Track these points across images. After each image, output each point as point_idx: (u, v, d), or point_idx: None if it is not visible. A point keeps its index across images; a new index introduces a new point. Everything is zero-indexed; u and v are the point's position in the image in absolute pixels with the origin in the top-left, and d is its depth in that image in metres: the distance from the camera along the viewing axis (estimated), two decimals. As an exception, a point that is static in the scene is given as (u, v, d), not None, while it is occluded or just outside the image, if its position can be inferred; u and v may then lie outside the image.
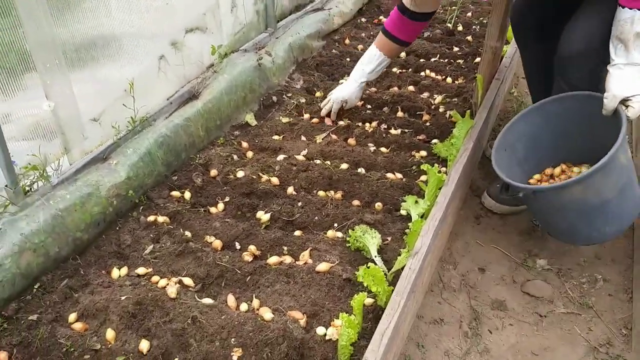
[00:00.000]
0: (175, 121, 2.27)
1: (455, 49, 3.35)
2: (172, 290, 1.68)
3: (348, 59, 3.23)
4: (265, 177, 2.21)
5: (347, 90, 2.53)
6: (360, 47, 3.41)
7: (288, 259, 1.82)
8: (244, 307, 1.66)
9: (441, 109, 2.67)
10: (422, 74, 3.06)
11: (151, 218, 2.00)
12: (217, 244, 1.89)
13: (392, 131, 2.53)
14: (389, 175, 2.21)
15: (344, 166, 2.27)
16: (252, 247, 1.86)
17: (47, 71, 1.81)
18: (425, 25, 2.42)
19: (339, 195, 2.12)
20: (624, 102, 1.65)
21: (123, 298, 1.64)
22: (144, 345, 1.53)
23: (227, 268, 1.78)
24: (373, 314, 1.61)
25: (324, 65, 3.15)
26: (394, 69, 3.08)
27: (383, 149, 2.41)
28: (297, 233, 1.95)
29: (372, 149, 2.41)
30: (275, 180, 2.19)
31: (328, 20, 3.45)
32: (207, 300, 1.68)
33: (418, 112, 2.67)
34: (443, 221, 1.82)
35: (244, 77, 2.65)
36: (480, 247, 2.06)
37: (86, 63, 1.98)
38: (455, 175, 1.96)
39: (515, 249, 2.05)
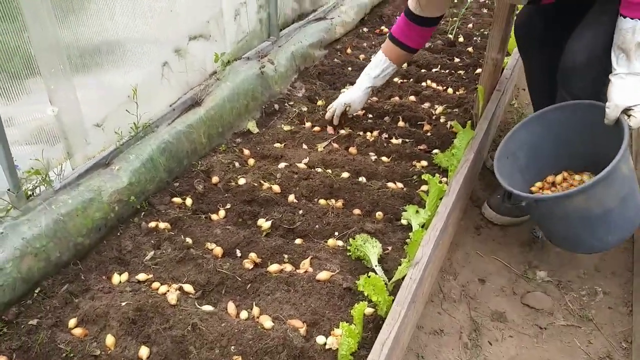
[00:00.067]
0: (177, 128, 2.28)
1: (457, 59, 3.37)
2: (172, 297, 1.68)
3: (350, 68, 3.24)
4: (266, 185, 2.22)
5: (351, 94, 2.52)
6: (362, 56, 3.43)
7: (288, 267, 1.82)
8: (244, 314, 1.66)
9: (442, 120, 2.68)
10: (424, 84, 3.08)
11: (152, 224, 2.00)
12: (218, 251, 1.89)
13: (393, 141, 2.54)
14: (390, 184, 2.22)
15: (345, 175, 2.27)
16: (252, 255, 1.86)
17: (51, 76, 1.82)
18: (431, 31, 2.36)
19: (339, 203, 2.13)
20: (626, 111, 1.66)
21: (123, 304, 1.64)
22: (144, 351, 1.52)
23: (227, 275, 1.78)
24: (373, 324, 1.61)
25: (326, 74, 3.16)
26: (396, 79, 3.09)
27: (384, 158, 2.42)
28: (298, 241, 1.95)
29: (373, 158, 2.42)
30: (276, 188, 2.20)
31: (330, 30, 3.47)
32: (207, 308, 1.67)
33: (419, 122, 2.69)
34: (444, 231, 1.82)
35: (247, 85, 2.66)
36: (480, 258, 2.07)
37: (90, 68, 1.99)
38: (456, 185, 1.96)
39: (516, 260, 2.05)
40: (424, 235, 1.74)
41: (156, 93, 2.31)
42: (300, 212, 2.07)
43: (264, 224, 2.01)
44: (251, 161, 2.39)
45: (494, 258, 2.06)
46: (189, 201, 2.13)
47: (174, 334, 1.56)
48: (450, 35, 3.68)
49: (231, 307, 1.68)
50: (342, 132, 2.59)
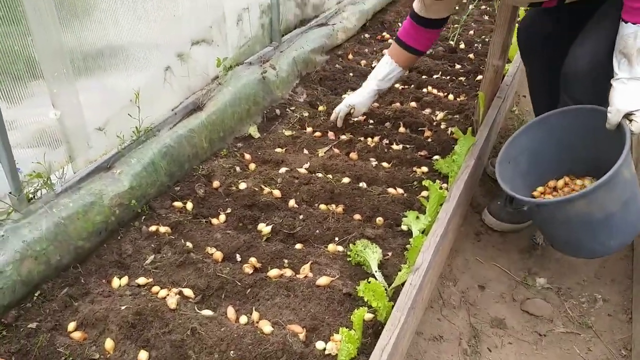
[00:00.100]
0: (179, 132, 2.29)
1: (457, 66, 3.38)
2: (172, 301, 1.68)
3: (351, 74, 3.25)
4: (267, 190, 2.22)
5: (356, 97, 2.50)
6: (363, 62, 3.44)
7: (288, 272, 1.82)
8: (243, 319, 1.66)
9: (443, 126, 2.69)
10: (425, 90, 3.08)
11: (153, 228, 2.01)
12: (218, 255, 1.89)
13: (394, 146, 2.55)
14: (390, 190, 2.23)
15: (346, 180, 2.28)
16: (252, 260, 1.86)
17: (54, 80, 1.83)
18: (437, 33, 2.33)
19: (340, 209, 2.13)
20: (628, 116, 1.66)
21: (123, 308, 1.64)
22: (143, 356, 1.52)
23: (227, 280, 1.78)
24: (373, 329, 1.61)
25: (327, 80, 3.17)
26: (397, 85, 3.10)
27: (385, 164, 2.43)
28: (298, 246, 1.95)
29: (374, 163, 2.43)
30: (277, 193, 2.20)
31: (332, 36, 3.48)
32: (207, 312, 1.68)
33: (420, 128, 2.69)
34: (444, 237, 1.83)
35: (248, 90, 2.67)
36: (480, 264, 2.07)
37: (93, 72, 2.00)
38: (456, 191, 1.97)
39: (515, 266, 2.05)
40: (424, 241, 1.74)
41: (158, 97, 2.31)
42: (301, 217, 2.07)
43: (264, 228, 2.01)
44: (252, 166, 2.40)
45: (494, 264, 2.06)
46: (189, 205, 2.13)
47: (173, 338, 1.56)
48: (451, 42, 3.69)
49: (231, 312, 1.68)
50: (343, 137, 2.60)
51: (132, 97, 2.14)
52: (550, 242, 1.95)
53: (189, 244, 1.94)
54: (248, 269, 1.83)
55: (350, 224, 2.02)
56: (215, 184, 2.26)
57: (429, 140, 2.58)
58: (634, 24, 1.62)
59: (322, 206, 2.14)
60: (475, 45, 3.68)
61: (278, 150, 2.53)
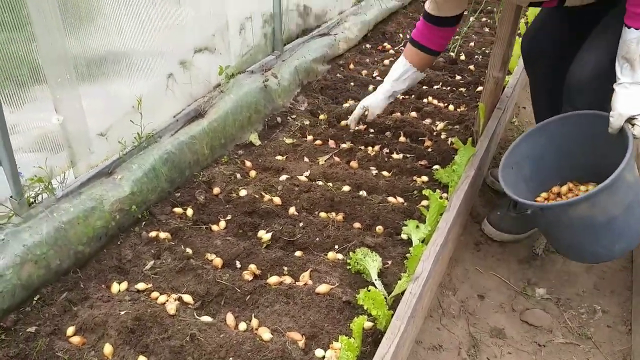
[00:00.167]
0: (180, 138, 2.29)
1: (458, 77, 3.40)
2: (171, 307, 1.68)
3: (352, 83, 3.27)
4: (267, 197, 2.22)
5: (370, 98, 2.46)
6: (364, 72, 3.46)
7: (288, 280, 1.82)
8: (242, 326, 1.66)
9: (443, 136, 2.70)
10: (425, 100, 3.10)
11: (153, 234, 2.01)
12: (218, 261, 1.89)
13: (394, 156, 2.56)
14: (390, 199, 2.23)
15: (346, 188, 2.28)
16: (252, 266, 1.86)
17: (57, 85, 1.84)
18: (451, 32, 2.25)
19: (340, 217, 2.14)
20: (630, 120, 1.66)
21: (122, 313, 1.64)
22: (142, 361, 1.52)
23: (227, 286, 1.78)
24: (372, 338, 1.61)
25: (329, 89, 3.19)
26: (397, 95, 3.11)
27: (385, 173, 2.43)
28: (298, 253, 1.96)
29: (374, 172, 2.44)
30: (277, 200, 2.21)
31: (334, 45, 3.51)
32: (206, 318, 1.67)
33: (420, 138, 2.70)
34: (444, 247, 1.83)
35: (250, 98, 2.68)
36: (479, 274, 2.07)
37: (96, 78, 2.01)
38: (456, 201, 1.97)
39: (515, 277, 2.05)
40: (424, 250, 1.74)
41: (160, 104, 2.33)
42: (301, 224, 2.07)
43: (264, 235, 2.01)
44: (253, 173, 2.41)
45: (494, 274, 2.06)
46: (189, 211, 2.14)
47: (172, 344, 1.56)
48: (452, 53, 3.71)
49: (230, 319, 1.68)
50: (344, 146, 2.61)
51: (135, 103, 2.15)
52: (555, 246, 1.95)
53: (189, 250, 1.94)
54: (248, 276, 1.83)
55: (350, 232, 2.02)
56: (216, 190, 2.26)
57: (429, 150, 2.59)
58: (636, 29, 1.63)
59: (322, 214, 2.15)
60: (476, 56, 3.71)
61: (279, 157, 2.54)
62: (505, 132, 2.96)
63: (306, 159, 2.53)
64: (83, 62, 1.93)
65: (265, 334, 1.60)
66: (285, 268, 1.88)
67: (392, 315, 1.54)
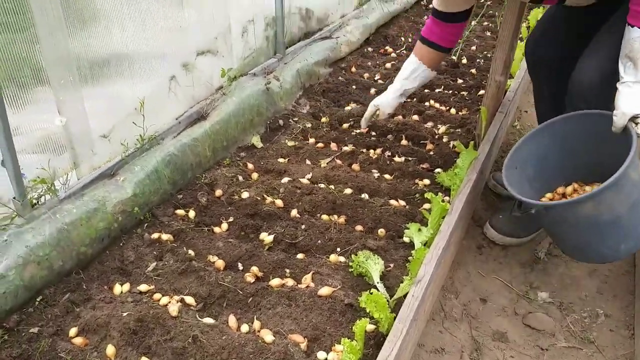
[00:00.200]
0: (183, 140, 2.30)
1: (460, 81, 3.40)
2: (173, 309, 1.68)
3: (354, 87, 3.28)
4: (269, 199, 2.23)
5: (381, 97, 2.43)
6: (366, 75, 3.46)
7: (290, 282, 1.82)
8: (244, 328, 1.66)
9: (445, 139, 2.70)
10: (427, 104, 3.10)
11: (155, 235, 2.01)
12: (220, 263, 1.89)
13: (396, 159, 2.56)
14: (392, 202, 2.23)
15: (348, 191, 2.28)
16: (254, 269, 1.86)
17: (60, 87, 1.84)
18: (460, 28, 2.21)
19: (342, 219, 2.14)
20: (634, 119, 1.65)
21: (124, 314, 1.64)
22: (144, 363, 1.52)
23: (229, 288, 1.78)
24: (374, 341, 1.60)
25: (330, 92, 3.19)
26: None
27: (387, 176, 2.43)
28: (300, 256, 1.95)
29: (376, 175, 2.44)
30: (279, 203, 2.21)
31: (335, 49, 3.51)
32: (208, 320, 1.67)
33: (422, 141, 2.71)
34: (446, 250, 1.83)
35: (252, 101, 2.69)
36: (482, 277, 2.07)
37: (99, 80, 2.01)
38: (459, 204, 1.97)
39: (517, 280, 2.05)
40: (427, 253, 1.74)
41: (163, 106, 2.33)
42: (303, 227, 2.07)
43: (266, 238, 2.01)
44: (255, 175, 2.41)
45: (496, 278, 2.06)
46: (192, 213, 2.14)
47: (174, 345, 1.56)
48: (453, 57, 3.72)
49: (232, 320, 1.68)
50: (346, 149, 2.61)
51: (137, 105, 2.15)
52: (560, 247, 1.94)
53: (191, 252, 1.94)
54: (250, 278, 1.83)
55: (352, 235, 2.02)
56: (218, 192, 2.26)
57: (431, 153, 2.60)
58: (639, 28, 1.64)
59: (324, 216, 2.15)
60: (478, 60, 3.71)
61: (281, 160, 2.54)
62: (507, 136, 2.97)
63: (308, 162, 2.53)
64: (86, 64, 1.93)
65: (267, 336, 1.60)
66: (287, 270, 1.88)
67: (395, 318, 1.54)
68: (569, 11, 2.07)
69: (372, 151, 2.62)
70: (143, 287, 1.79)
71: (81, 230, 1.84)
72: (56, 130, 1.88)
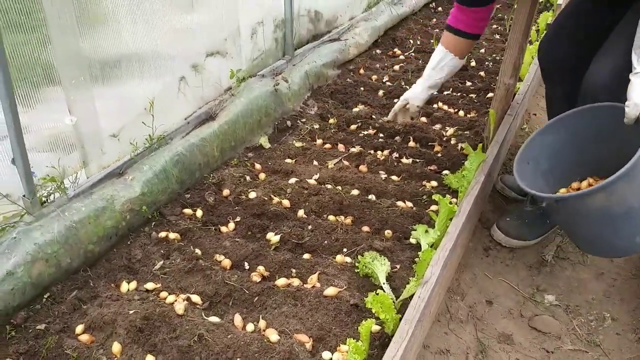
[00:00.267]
0: (191, 140, 2.31)
1: (468, 83, 3.40)
2: (179, 307, 1.69)
3: (362, 88, 3.28)
4: (276, 199, 2.23)
5: (410, 91, 2.38)
6: (374, 77, 3.47)
7: (296, 282, 1.83)
8: (250, 327, 1.66)
9: (453, 141, 2.70)
10: (435, 106, 3.10)
11: (162, 234, 2.02)
12: (226, 263, 1.90)
13: (404, 160, 2.56)
14: (400, 203, 2.23)
15: (355, 192, 2.29)
16: (260, 268, 1.87)
17: (71, 86, 1.87)
18: (486, 12, 2.14)
19: (349, 220, 2.14)
20: None
21: (131, 312, 1.65)
22: (150, 360, 1.53)
23: (235, 287, 1.78)
24: (380, 342, 1.60)
25: (339, 94, 3.20)
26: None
27: (394, 177, 2.43)
28: (306, 256, 1.96)
29: (383, 176, 2.44)
30: (286, 203, 2.21)
31: (344, 51, 3.52)
32: (214, 319, 1.68)
33: (430, 143, 2.70)
34: (453, 252, 1.82)
35: (260, 101, 2.70)
36: (488, 279, 2.06)
37: (109, 80, 2.03)
38: (466, 206, 1.97)
39: (523, 283, 2.04)
40: (433, 255, 1.74)
41: (172, 106, 2.35)
42: (309, 227, 2.08)
43: (273, 237, 2.02)
44: (262, 175, 2.42)
45: (502, 280, 2.05)
46: (199, 213, 2.15)
47: (180, 343, 1.57)
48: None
49: (238, 319, 1.69)
50: (353, 150, 2.62)
51: (147, 105, 2.17)
52: (574, 241, 1.91)
53: (198, 251, 1.95)
54: (256, 277, 1.83)
55: (358, 236, 2.03)
56: (225, 192, 2.27)
57: (439, 155, 2.59)
58: None
59: (331, 217, 2.15)
60: (486, 63, 3.70)
61: (288, 161, 2.55)
62: (516, 139, 2.95)
63: (315, 163, 2.53)
64: (97, 64, 1.95)
65: (273, 335, 1.61)
66: (294, 270, 1.88)
67: (400, 319, 1.54)
68: (583, 11, 2.05)
69: (379, 152, 2.62)
70: (150, 286, 1.80)
71: (89, 229, 1.85)
72: (66, 129, 1.90)
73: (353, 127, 2.85)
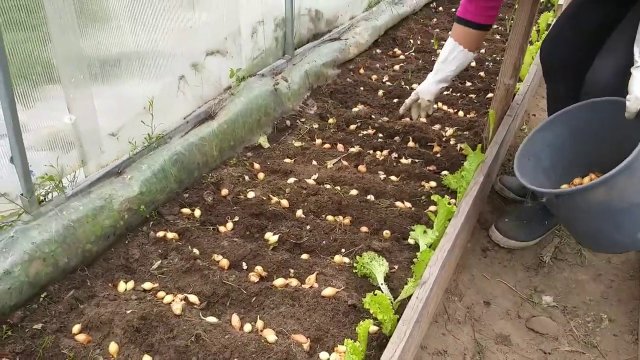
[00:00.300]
0: (190, 140, 2.31)
1: (468, 83, 3.39)
2: (177, 307, 1.69)
3: (362, 88, 3.28)
4: (275, 199, 2.23)
5: (422, 84, 2.36)
6: (374, 77, 3.46)
7: (294, 282, 1.83)
8: (247, 327, 1.66)
9: (452, 142, 2.70)
10: (435, 106, 3.09)
11: (160, 234, 2.02)
12: (224, 262, 1.90)
13: (403, 160, 2.56)
14: (398, 203, 2.23)
15: (354, 192, 2.28)
16: (258, 268, 1.86)
17: (71, 85, 1.86)
18: (494, 1, 2.11)
19: (347, 220, 2.14)
20: None
21: (128, 312, 1.65)
22: (147, 360, 1.53)
23: (232, 287, 1.78)
24: (377, 342, 1.60)
25: (338, 93, 3.20)
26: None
27: (393, 178, 2.43)
28: (304, 256, 1.96)
29: (382, 177, 2.44)
30: (285, 203, 2.21)
31: (344, 50, 3.52)
32: (212, 319, 1.68)
33: (429, 143, 2.70)
34: (451, 252, 1.82)
35: (260, 101, 2.70)
36: (486, 280, 2.06)
37: (109, 79, 2.03)
38: (465, 207, 1.97)
39: (521, 284, 2.04)
40: (432, 255, 1.74)
41: (171, 105, 2.35)
42: (308, 227, 2.08)
43: (271, 237, 2.02)
44: (261, 175, 2.42)
45: (500, 281, 2.05)
46: (197, 212, 2.15)
47: (177, 344, 1.57)
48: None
49: (235, 320, 1.69)
50: (352, 150, 2.61)
51: (146, 104, 2.17)
52: (576, 237, 1.90)
53: (196, 251, 1.95)
54: (254, 278, 1.83)
55: (357, 236, 2.02)
56: (224, 192, 2.27)
57: (438, 155, 2.59)
58: None
59: (330, 217, 2.15)
60: (486, 63, 3.70)
61: (287, 160, 2.55)
62: (515, 139, 2.95)
63: (314, 162, 2.53)
64: (96, 62, 1.95)
65: (270, 335, 1.61)
66: (292, 270, 1.88)
67: (398, 319, 1.54)
68: (585, 10, 2.05)
69: (378, 153, 2.62)
70: (147, 285, 1.80)
71: (87, 228, 1.85)
72: (65, 128, 1.90)
73: (352, 127, 2.85)
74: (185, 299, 1.75)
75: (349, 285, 1.81)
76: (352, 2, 3.88)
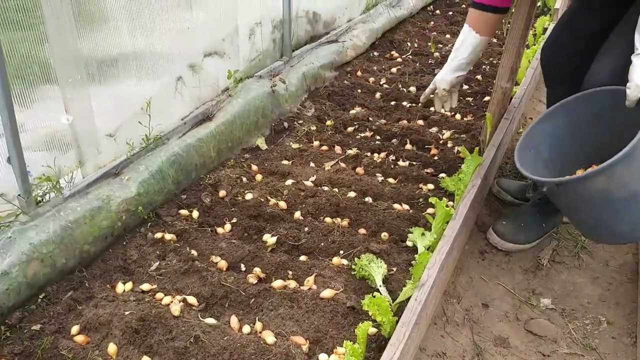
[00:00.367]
0: (188, 141, 2.30)
1: (465, 86, 3.40)
2: (175, 308, 1.68)
3: (359, 90, 3.28)
4: (273, 201, 2.23)
5: (439, 73, 2.30)
6: (371, 79, 3.47)
7: (292, 284, 1.82)
8: (246, 329, 1.66)
9: (449, 144, 2.70)
10: (432, 108, 3.10)
11: (158, 235, 2.01)
12: (223, 264, 1.89)
13: (400, 163, 2.56)
14: (396, 206, 2.23)
15: (352, 194, 2.28)
16: (257, 270, 1.86)
17: (68, 85, 1.86)
18: None
19: (345, 222, 2.14)
20: None
21: (127, 313, 1.64)
22: (145, 361, 1.52)
23: (231, 289, 1.78)
24: (376, 344, 1.60)
25: (336, 95, 3.20)
26: (404, 103, 3.13)
27: (391, 180, 2.44)
28: (303, 258, 1.96)
29: (380, 179, 2.44)
30: (282, 205, 2.21)
31: (342, 52, 3.52)
32: (210, 320, 1.67)
33: (426, 146, 2.71)
34: (449, 255, 1.83)
35: (258, 102, 2.69)
36: (484, 282, 2.06)
37: (106, 80, 2.03)
38: (463, 209, 1.97)
39: (519, 286, 2.05)
40: (430, 257, 1.74)
41: (169, 106, 2.34)
42: (306, 229, 2.07)
43: (269, 239, 2.01)
44: (259, 177, 2.41)
45: (498, 283, 2.06)
46: (195, 214, 2.14)
47: (176, 345, 1.56)
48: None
49: (234, 321, 1.68)
50: (350, 152, 2.62)
51: (144, 105, 2.16)
52: (577, 227, 1.89)
53: (194, 252, 1.94)
54: (252, 279, 1.83)
55: (355, 238, 2.02)
56: (222, 193, 2.27)
57: (435, 158, 2.60)
58: None
59: (328, 219, 2.15)
60: (483, 67, 3.71)
61: (285, 162, 2.55)
62: (512, 142, 2.96)
63: (312, 164, 2.53)
64: (94, 62, 1.95)
65: (269, 337, 1.60)
66: (290, 272, 1.88)
67: (397, 321, 1.54)
68: (582, 14, 2.06)
69: (376, 155, 2.63)
70: (145, 287, 1.79)
71: (85, 229, 1.84)
72: (62, 128, 1.89)
73: (350, 129, 2.85)
74: (184, 300, 1.74)
75: (347, 287, 1.81)
76: (349, 5, 3.89)
